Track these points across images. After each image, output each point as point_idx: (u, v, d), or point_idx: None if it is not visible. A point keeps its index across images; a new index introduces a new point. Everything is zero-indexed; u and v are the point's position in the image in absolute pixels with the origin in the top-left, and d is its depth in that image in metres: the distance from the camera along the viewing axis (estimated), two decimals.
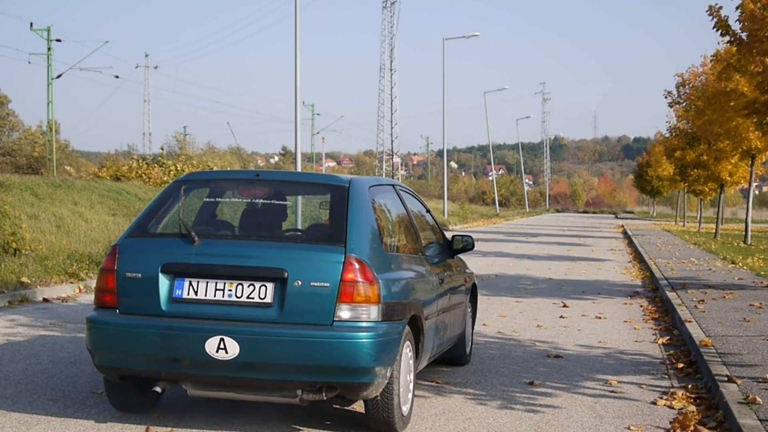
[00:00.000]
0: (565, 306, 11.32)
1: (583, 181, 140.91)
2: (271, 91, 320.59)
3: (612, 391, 6.40)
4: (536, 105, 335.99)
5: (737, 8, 11.98)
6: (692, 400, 6.12)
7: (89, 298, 11.02)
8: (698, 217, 41.40)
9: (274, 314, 4.89)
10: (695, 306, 10.42)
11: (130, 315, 5.06)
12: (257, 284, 4.94)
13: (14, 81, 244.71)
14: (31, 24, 45.37)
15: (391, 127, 61.73)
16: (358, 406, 5.51)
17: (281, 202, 5.82)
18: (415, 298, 5.48)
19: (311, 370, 4.80)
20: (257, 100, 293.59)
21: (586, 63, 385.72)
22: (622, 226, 45.88)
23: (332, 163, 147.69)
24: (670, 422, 5.54)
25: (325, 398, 4.93)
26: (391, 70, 61.02)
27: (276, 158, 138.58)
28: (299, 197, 7.80)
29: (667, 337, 8.89)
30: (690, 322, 9.01)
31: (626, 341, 8.69)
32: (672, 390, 6.43)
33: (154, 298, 5.02)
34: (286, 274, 4.89)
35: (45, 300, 10.66)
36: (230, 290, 4.97)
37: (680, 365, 7.38)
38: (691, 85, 28.09)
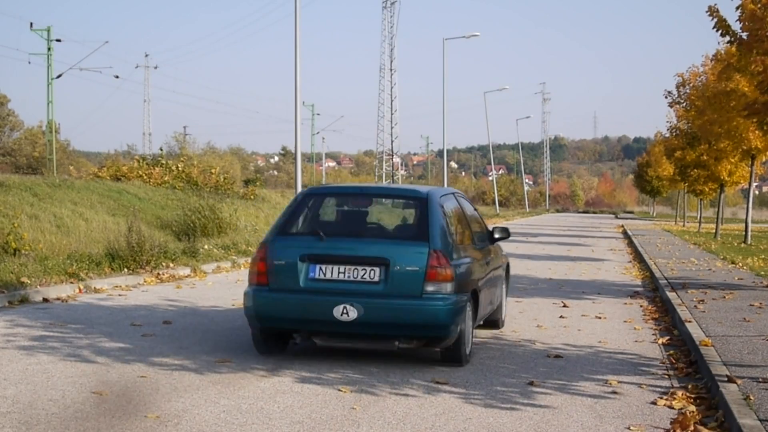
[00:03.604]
0: (565, 306, 11.31)
1: (582, 181, 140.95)
2: (271, 91, 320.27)
3: (612, 391, 6.40)
4: (536, 105, 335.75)
5: (737, 8, 11.97)
6: (692, 400, 6.12)
7: (89, 298, 11.02)
8: (698, 217, 41.38)
9: (381, 289, 6.91)
10: (695, 306, 10.42)
11: (278, 290, 7.09)
12: (368, 268, 6.98)
13: (14, 81, 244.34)
14: (31, 24, 45.38)
15: (391, 127, 61.83)
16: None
17: (382, 210, 8.02)
18: (473, 277, 7.53)
19: (406, 327, 6.88)
20: (257, 100, 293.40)
21: (586, 63, 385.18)
22: (622, 226, 45.87)
23: (332, 163, 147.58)
24: (670, 422, 5.54)
25: (414, 346, 7.05)
26: (391, 70, 61.10)
27: (276, 158, 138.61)
28: (393, 204, 9.53)
29: (667, 337, 8.88)
30: (690, 322, 9.01)
31: (626, 341, 8.68)
32: (672, 390, 6.43)
33: (295, 278, 7.05)
34: (389, 261, 6.92)
35: (45, 300, 10.65)
36: (349, 273, 7.00)
37: (680, 365, 7.38)
38: (691, 85, 28.11)
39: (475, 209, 9.13)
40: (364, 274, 6.98)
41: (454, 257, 7.14)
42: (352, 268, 7.00)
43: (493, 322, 9.11)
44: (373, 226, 8.00)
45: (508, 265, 9.88)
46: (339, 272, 7.02)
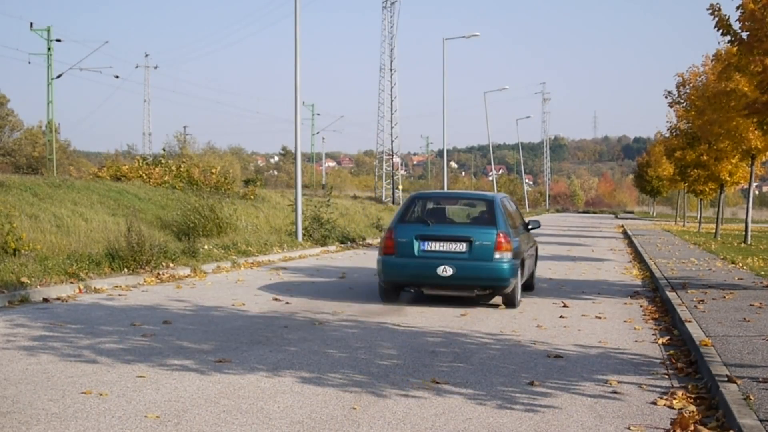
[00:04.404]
0: (565, 306, 11.32)
1: (582, 181, 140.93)
2: (271, 91, 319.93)
3: (612, 391, 6.40)
4: (536, 105, 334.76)
5: (738, 8, 11.97)
6: (692, 400, 6.11)
7: (89, 298, 11.03)
8: (698, 217, 41.39)
9: (466, 256, 10.79)
10: (695, 306, 10.42)
11: (401, 257, 10.95)
12: (459, 243, 10.84)
13: (14, 81, 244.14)
14: (31, 24, 45.47)
15: (391, 127, 61.73)
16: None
17: (463, 207, 13.66)
18: (521, 250, 11.40)
19: (482, 281, 10.75)
20: (257, 100, 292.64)
21: (586, 63, 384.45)
22: (622, 226, 45.87)
23: (332, 163, 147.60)
24: (670, 422, 5.53)
25: (486, 293, 10.95)
26: (391, 70, 61.01)
27: (276, 158, 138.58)
28: (470, 204, 13.64)
29: (667, 337, 8.88)
30: (690, 322, 9.01)
31: (626, 341, 8.68)
32: (672, 390, 6.43)
33: (412, 250, 10.92)
34: (472, 239, 10.83)
35: (45, 300, 10.65)
36: (447, 246, 10.86)
37: (680, 365, 7.38)
38: (691, 85, 28.07)
39: (518, 207, 13.46)
40: (456, 247, 10.85)
41: (512, 237, 11.02)
42: (449, 243, 10.88)
43: (528, 286, 12.85)
44: (457, 217, 13.23)
45: (537, 248, 14.04)
46: (440, 246, 10.89)
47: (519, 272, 11.00)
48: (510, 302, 11.01)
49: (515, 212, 12.66)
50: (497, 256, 10.68)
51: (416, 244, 10.89)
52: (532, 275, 13.05)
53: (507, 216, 11.44)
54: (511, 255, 10.76)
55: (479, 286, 10.78)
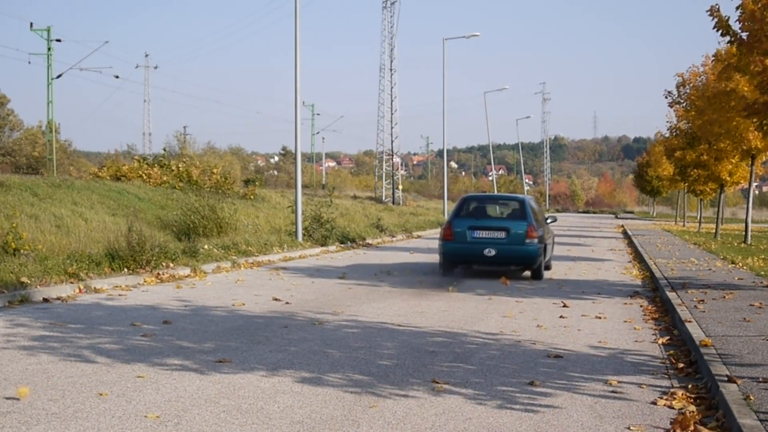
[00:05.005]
0: (565, 306, 11.31)
1: (582, 181, 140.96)
2: (271, 91, 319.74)
3: (612, 391, 6.40)
4: (536, 105, 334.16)
5: (737, 8, 11.98)
6: (692, 400, 6.11)
7: (89, 298, 11.03)
8: (698, 217, 41.38)
9: (506, 241, 14.84)
10: (695, 306, 10.42)
11: (457, 243, 14.99)
12: (500, 232, 14.91)
13: (14, 81, 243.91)
14: (31, 24, 45.48)
15: (391, 127, 61.65)
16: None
17: (501, 205, 17.18)
18: (544, 238, 15.24)
19: (517, 259, 14.90)
20: (257, 100, 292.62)
21: (586, 63, 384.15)
22: (622, 226, 45.86)
23: (332, 163, 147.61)
24: (670, 422, 5.53)
25: (520, 269, 15.29)
26: (391, 70, 60.94)
27: (276, 158, 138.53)
28: (507, 203, 16.78)
29: (667, 337, 8.88)
30: (690, 322, 9.01)
31: (626, 341, 8.68)
32: (672, 390, 6.43)
33: (465, 237, 14.97)
34: (509, 229, 14.92)
35: (45, 300, 10.65)
36: (490, 234, 14.92)
37: (680, 365, 7.37)
38: (691, 85, 28.08)
39: (539, 204, 17.91)
40: (497, 235, 14.80)
41: (538, 228, 14.94)
42: (492, 232, 14.85)
43: (547, 266, 16.37)
44: (500, 213, 16.95)
45: (554, 237, 18.33)
46: (486, 234, 14.85)
47: (543, 254, 14.92)
48: (537, 276, 15.00)
49: (539, 210, 16.68)
50: (527, 241, 14.63)
51: (468, 233, 14.90)
52: (550, 258, 16.89)
53: (533, 212, 15.42)
54: (537, 241, 14.68)
55: (514, 264, 14.88)
